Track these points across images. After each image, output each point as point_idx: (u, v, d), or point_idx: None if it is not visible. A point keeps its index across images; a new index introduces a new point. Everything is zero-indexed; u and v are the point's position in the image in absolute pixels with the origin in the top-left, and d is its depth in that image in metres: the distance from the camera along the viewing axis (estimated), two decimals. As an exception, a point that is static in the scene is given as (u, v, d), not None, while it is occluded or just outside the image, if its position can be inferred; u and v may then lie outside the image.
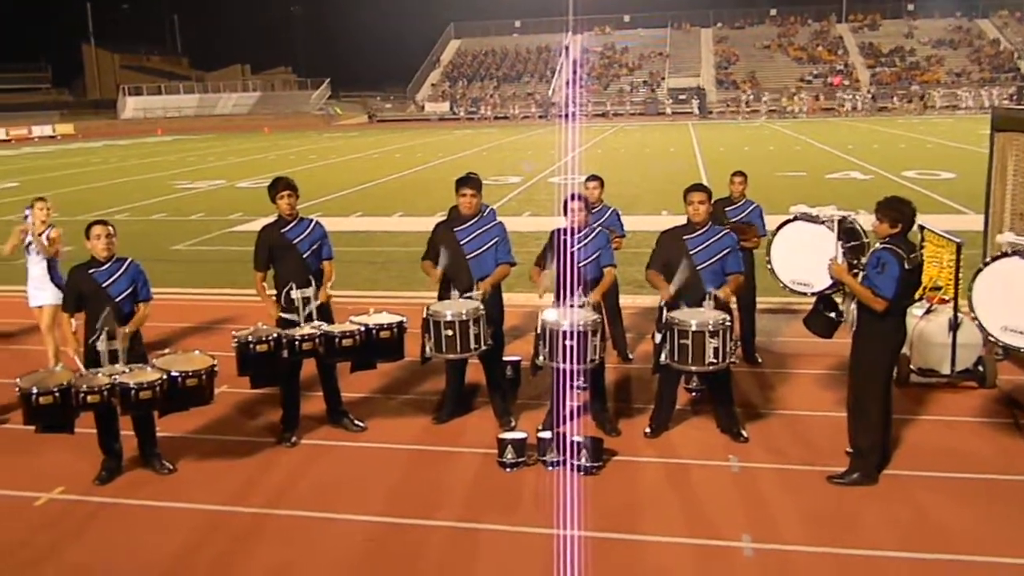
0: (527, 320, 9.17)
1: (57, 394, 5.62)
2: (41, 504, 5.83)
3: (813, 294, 7.13)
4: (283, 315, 6.68)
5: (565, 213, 6.61)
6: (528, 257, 8.26)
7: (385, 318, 6.73)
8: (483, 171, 22.01)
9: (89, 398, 5.64)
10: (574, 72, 75.78)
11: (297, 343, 6.37)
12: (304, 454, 6.52)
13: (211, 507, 5.71)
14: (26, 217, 8.23)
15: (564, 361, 6.18)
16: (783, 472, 6.03)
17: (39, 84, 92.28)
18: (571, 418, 6.70)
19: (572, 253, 6.51)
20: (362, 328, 6.53)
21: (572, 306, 6.39)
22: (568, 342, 6.13)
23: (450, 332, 6.33)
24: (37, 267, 8.16)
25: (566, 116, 63.69)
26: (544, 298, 6.72)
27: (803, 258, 7.14)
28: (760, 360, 8.23)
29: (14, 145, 52.73)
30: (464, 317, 6.34)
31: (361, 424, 6.92)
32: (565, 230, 6.62)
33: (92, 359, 6.01)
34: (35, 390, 5.60)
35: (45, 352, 8.24)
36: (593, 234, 6.59)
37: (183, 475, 6.20)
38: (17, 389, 5.65)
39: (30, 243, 8.19)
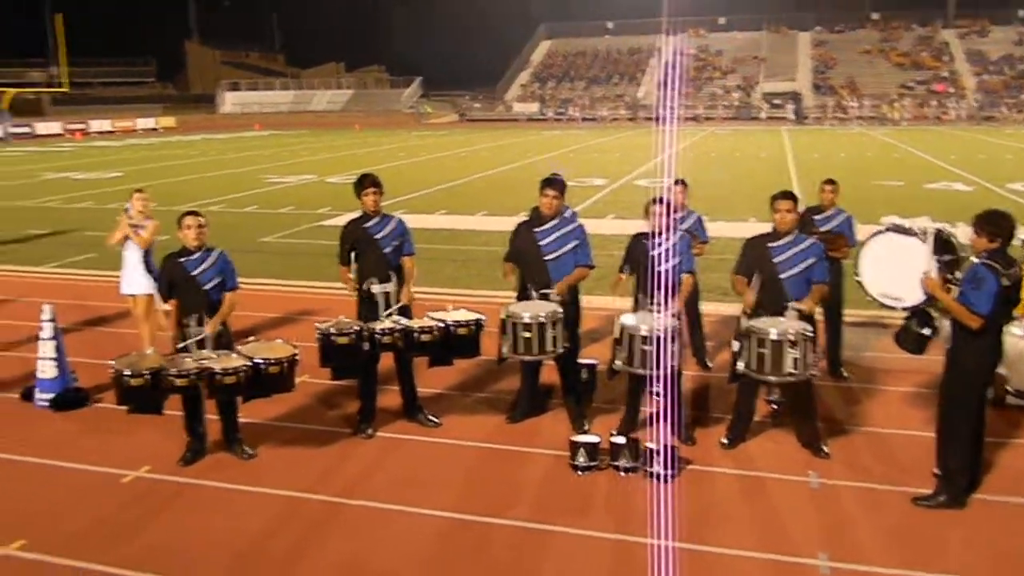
0: (605, 324, 9.12)
1: (148, 376, 5.86)
2: (128, 481, 6.08)
3: (904, 309, 6.91)
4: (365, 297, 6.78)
5: (647, 217, 6.58)
6: (610, 261, 8.23)
7: (463, 315, 6.80)
8: (569, 172, 22.03)
9: (178, 382, 5.86)
10: (666, 74, 74.95)
11: (377, 337, 6.49)
12: (379, 446, 6.63)
13: (288, 493, 5.86)
14: (127, 209, 8.59)
15: (641, 366, 6.15)
16: (865, 491, 5.86)
17: (144, 78, 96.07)
18: (646, 424, 6.66)
19: (652, 257, 6.47)
20: (441, 324, 6.61)
21: (652, 311, 6.35)
22: (646, 347, 6.08)
23: (527, 333, 6.36)
24: (133, 256, 8.51)
25: (656, 119, 63.06)
26: (622, 302, 6.67)
27: (894, 271, 6.92)
28: (846, 374, 8.01)
29: (119, 136, 55.07)
30: (542, 319, 6.35)
31: (436, 420, 7.01)
32: (647, 234, 6.60)
33: (182, 345, 6.24)
34: (128, 372, 5.85)
35: (138, 336, 8.59)
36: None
37: (263, 460, 6.38)
38: (111, 370, 5.91)
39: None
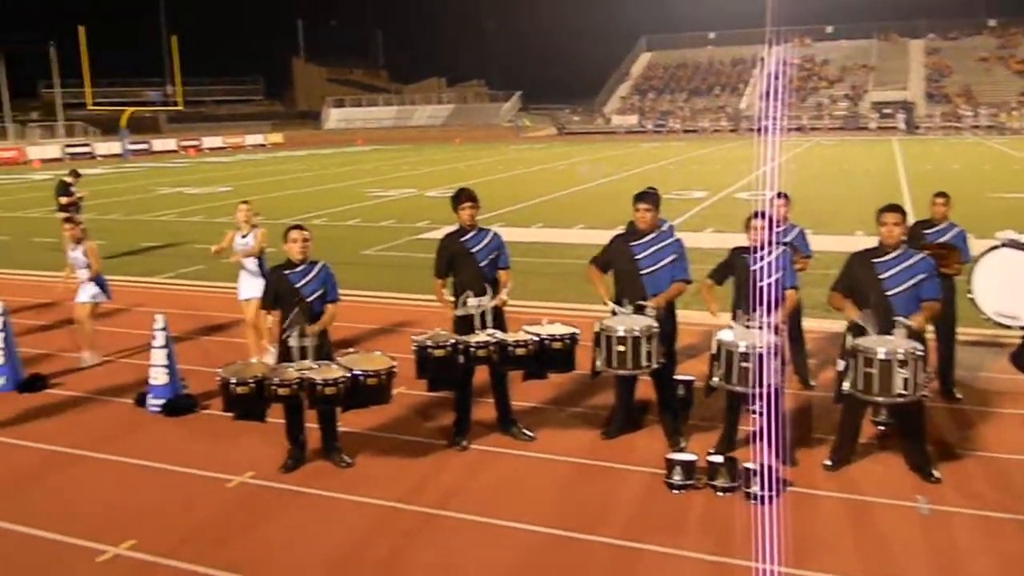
0: (703, 339, 9.00)
1: (253, 385, 6.08)
2: (233, 486, 6.30)
3: (1021, 328, 6.58)
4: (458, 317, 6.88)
5: (747, 231, 6.49)
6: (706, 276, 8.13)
7: (558, 329, 6.81)
8: (667, 185, 21.86)
9: (280, 391, 6.06)
10: (770, 85, 73.50)
11: (472, 350, 6.56)
12: (474, 459, 6.70)
13: (383, 502, 5.97)
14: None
15: (740, 384, 6.05)
16: (978, 518, 5.59)
17: (253, 96, 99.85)
18: (745, 443, 6.54)
19: (753, 272, 6.37)
20: (535, 338, 6.64)
21: (751, 327, 6.24)
22: (745, 364, 5.98)
23: (622, 348, 6.32)
24: (249, 263, 8.89)
25: (758, 130, 61.90)
26: (720, 317, 6.59)
27: (1010, 288, 6.61)
28: (959, 396, 7.67)
29: (229, 152, 57.35)
30: (637, 333, 6.31)
31: (530, 433, 7.03)
32: (747, 248, 6.50)
33: (283, 354, 6.45)
34: (233, 380, 6.08)
35: (246, 344, 8.92)
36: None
37: (360, 469, 6.52)
38: (218, 378, 6.15)
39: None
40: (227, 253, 9.00)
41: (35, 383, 8.61)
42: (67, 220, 10.02)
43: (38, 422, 7.73)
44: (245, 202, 9.09)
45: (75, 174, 16.59)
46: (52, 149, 53.12)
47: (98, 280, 9.44)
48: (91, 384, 8.68)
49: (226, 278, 8.68)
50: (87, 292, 9.41)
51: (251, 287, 8.83)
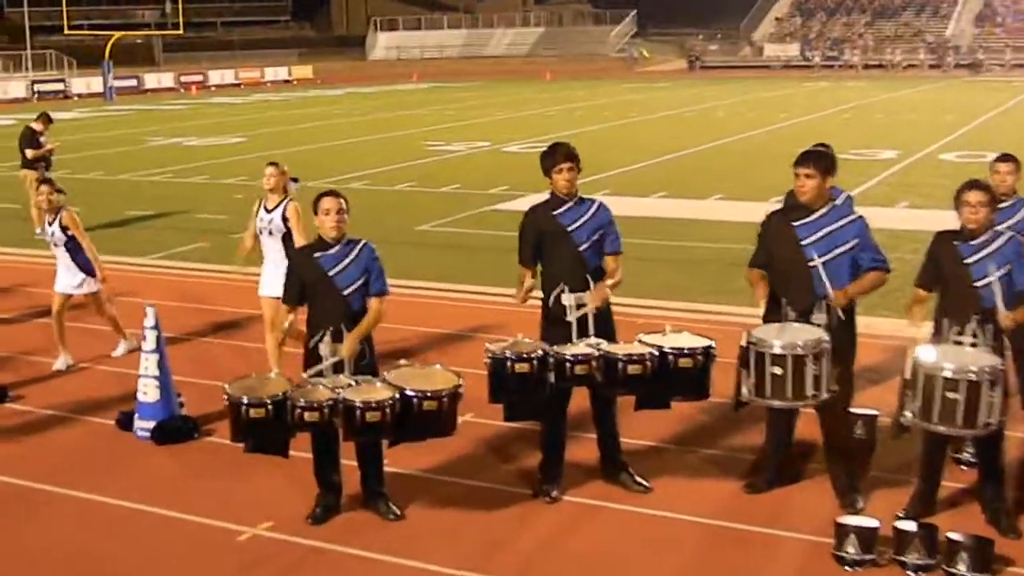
0: (893, 359, 8.82)
1: (270, 407, 6.17)
2: (244, 540, 6.43)
3: None
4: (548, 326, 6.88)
5: (958, 208, 6.39)
6: (902, 267, 7.93)
7: (687, 340, 6.74)
8: (842, 141, 21.41)
9: (307, 415, 6.13)
10: (990, 4, 71.68)
11: (568, 365, 6.54)
12: (567, 514, 6.68)
13: (443, 569, 6.01)
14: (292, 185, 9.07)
15: (943, 422, 5.96)
16: None
17: (276, 16, 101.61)
18: (949, 504, 6.45)
19: (966, 267, 6.30)
20: (655, 352, 6.59)
21: (962, 344, 6.13)
22: (952, 395, 5.88)
23: (778, 369, 6.23)
24: (273, 249, 8.95)
25: (972, 66, 60.43)
26: (922, 330, 6.47)
27: None
28: None
29: (244, 91, 58.66)
30: (800, 350, 6.20)
31: (645, 483, 6.98)
32: (957, 232, 6.42)
33: (312, 366, 6.53)
34: (245, 400, 6.18)
35: (264, 351, 9.07)
36: (999, 241, 6.33)
37: (412, 523, 6.57)
38: (225, 397, 6.27)
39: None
40: (252, 248, 9.08)
41: (-11, 395, 8.92)
42: (42, 182, 10.31)
43: (-8, 447, 8.00)
44: (273, 163, 9.14)
45: (46, 119, 17.14)
46: (16, 86, 55.11)
47: (81, 260, 9.72)
48: (61, 398, 8.96)
49: (254, 260, 8.84)
50: (68, 278, 9.69)
51: (275, 281, 8.75)
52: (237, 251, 9.71)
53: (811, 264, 6.52)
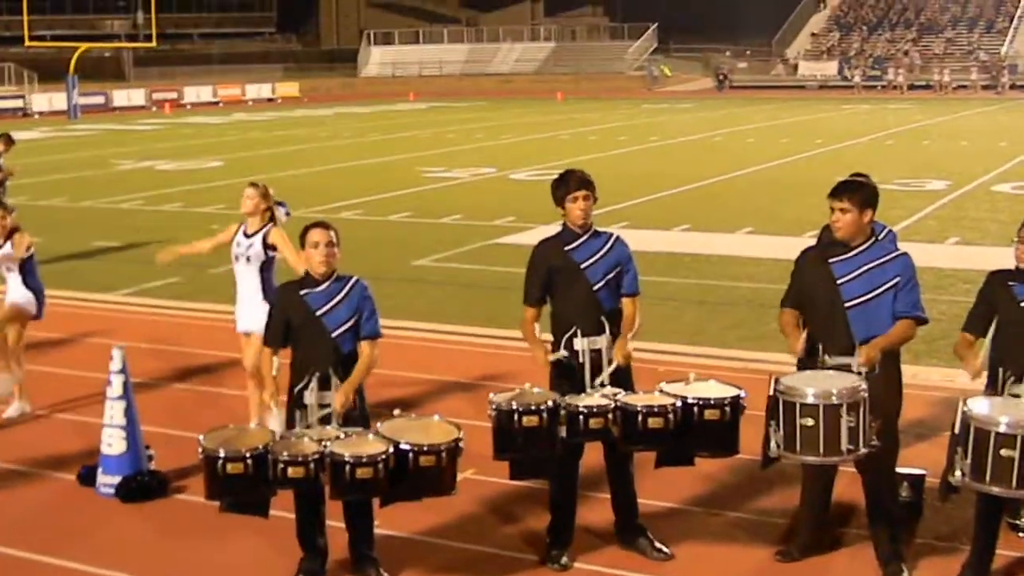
0: (941, 411, 8.81)
1: (250, 462, 6.16)
2: (217, 611, 6.41)
3: None
4: (560, 364, 6.88)
5: (1018, 244, 6.44)
6: (952, 311, 7.94)
7: (713, 390, 6.73)
8: (884, 171, 21.48)
9: (290, 471, 6.11)
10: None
11: (581, 418, 6.53)
12: (578, 584, 6.66)
13: (440, 646, 5.99)
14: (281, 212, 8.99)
15: (996, 482, 5.93)
16: None
17: (259, 28, 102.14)
18: (1006, 575, 6.39)
19: (1022, 309, 6.32)
20: (678, 403, 6.58)
21: (1018, 396, 6.16)
22: (1007, 452, 5.86)
23: (810, 421, 6.22)
24: (249, 279, 8.89)
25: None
26: (976, 380, 6.48)
27: None
28: None
29: (223, 110, 58.97)
30: (834, 400, 6.20)
31: (665, 550, 6.96)
32: (1015, 272, 6.45)
33: (296, 416, 6.55)
34: (222, 454, 6.17)
35: (245, 399, 9.06)
36: None
37: (405, 594, 6.56)
38: (199, 450, 6.26)
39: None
40: (225, 250, 9.07)
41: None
42: None
43: (-61, 503, 8.00)
44: (254, 184, 9.12)
45: (6, 140, 17.17)
46: (-30, 102, 55.39)
47: (35, 284, 9.75)
48: (15, 450, 8.95)
49: (215, 296, 8.85)
50: (16, 293, 9.71)
51: (253, 315, 8.67)
52: (163, 252, 9.65)
53: (848, 306, 6.54)
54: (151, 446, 8.32)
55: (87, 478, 8.20)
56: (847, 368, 6.42)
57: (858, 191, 6.66)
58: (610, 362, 6.85)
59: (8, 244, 9.68)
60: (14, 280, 9.76)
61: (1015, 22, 71.54)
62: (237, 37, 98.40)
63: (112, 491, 7.98)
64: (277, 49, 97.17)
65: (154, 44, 62.06)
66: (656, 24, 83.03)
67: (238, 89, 67.00)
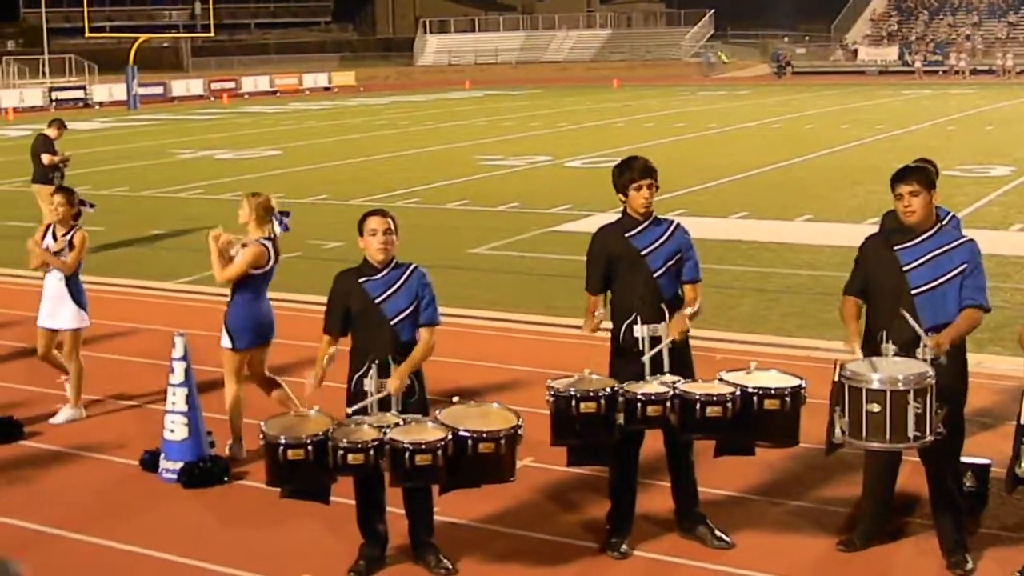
0: (1008, 400, 8.71)
1: (310, 448, 6.20)
2: (278, 596, 6.47)
3: None
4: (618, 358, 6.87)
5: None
6: (1018, 298, 7.85)
7: (774, 379, 6.70)
8: (947, 157, 21.24)
9: (350, 457, 6.15)
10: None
11: (639, 405, 6.52)
12: (638, 570, 6.67)
13: (500, 633, 6.01)
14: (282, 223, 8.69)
15: (1066, 473, 5.84)
16: None
17: (316, 18, 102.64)
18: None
19: None
20: (737, 392, 6.55)
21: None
22: (1076, 442, 5.77)
23: (876, 407, 6.17)
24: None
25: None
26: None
27: None
28: None
29: (280, 99, 59.41)
30: (900, 385, 6.15)
31: (726, 538, 6.94)
32: None
33: (355, 403, 6.57)
34: (283, 440, 6.23)
35: (302, 386, 9.02)
36: None
37: (465, 581, 6.57)
38: (261, 437, 6.32)
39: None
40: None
41: (4, 431, 9.04)
42: (59, 190, 9.92)
43: (3, 489, 8.10)
44: (255, 194, 8.75)
45: (59, 125, 17.28)
46: (33, 93, 56.23)
47: (76, 289, 9.37)
48: (80, 436, 9.08)
49: (275, 286, 8.89)
50: (64, 313, 9.33)
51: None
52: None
53: (915, 293, 6.47)
54: (212, 432, 8.41)
55: (149, 464, 8.30)
56: (912, 352, 6.37)
57: (926, 175, 6.63)
58: (671, 353, 6.82)
59: (68, 239, 9.30)
60: (59, 289, 9.31)
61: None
62: (294, 27, 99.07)
63: (174, 477, 8.07)
64: (333, 38, 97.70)
65: (212, 34, 62.74)
66: (713, 10, 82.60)
67: (295, 78, 67.36)
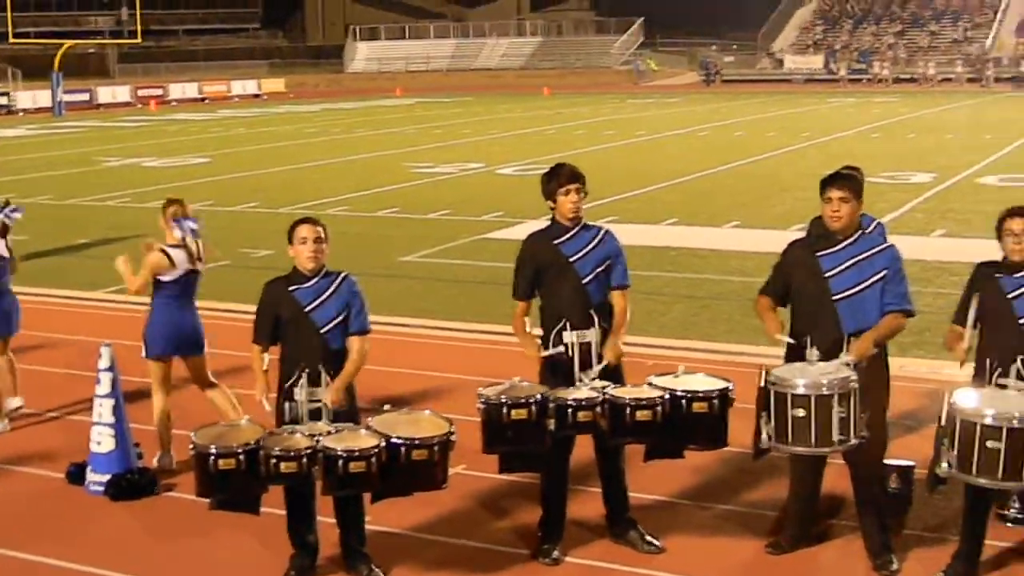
0: (929, 403, 8.83)
1: (242, 457, 6.16)
2: (208, 608, 6.41)
3: None
4: (550, 363, 6.89)
5: (1000, 237, 6.44)
6: (939, 303, 7.98)
7: (701, 383, 6.75)
8: (872, 164, 21.44)
9: (283, 466, 6.10)
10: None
11: (569, 411, 6.53)
12: (569, 578, 6.67)
13: (432, 641, 6.00)
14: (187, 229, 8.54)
15: (984, 474, 5.96)
16: None
17: (244, 25, 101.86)
18: (994, 566, 6.45)
19: (1009, 302, 6.36)
20: (666, 396, 6.60)
21: (1007, 387, 6.17)
22: (994, 444, 5.89)
23: (801, 412, 6.24)
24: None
25: (1013, 80, 60.81)
26: (964, 369, 6.49)
27: None
28: None
29: (209, 106, 58.80)
30: (825, 390, 6.22)
31: (656, 543, 6.98)
32: (1000, 264, 6.47)
33: (286, 412, 6.53)
34: (214, 450, 6.17)
35: (236, 396, 8.98)
36: None
37: (396, 589, 6.56)
38: (190, 447, 6.26)
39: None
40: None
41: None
42: None
43: (-73, 502, 7.97)
44: (174, 202, 8.73)
45: None
46: (-46, 101, 55.10)
47: (7, 299, 9.40)
48: (4, 449, 8.92)
49: (209, 293, 8.81)
50: None
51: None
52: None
53: (836, 298, 6.56)
54: (140, 443, 8.32)
55: (76, 476, 8.19)
56: (835, 357, 6.45)
57: (854, 182, 6.72)
58: (600, 359, 6.87)
59: (3, 243, 9.36)
60: None
61: (999, 15, 71.68)
62: (222, 33, 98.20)
63: (101, 489, 7.96)
64: (263, 45, 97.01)
65: (139, 41, 61.94)
66: (642, 18, 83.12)
67: (224, 85, 66.80)
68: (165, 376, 8.45)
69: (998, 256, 6.53)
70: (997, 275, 6.49)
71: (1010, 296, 6.38)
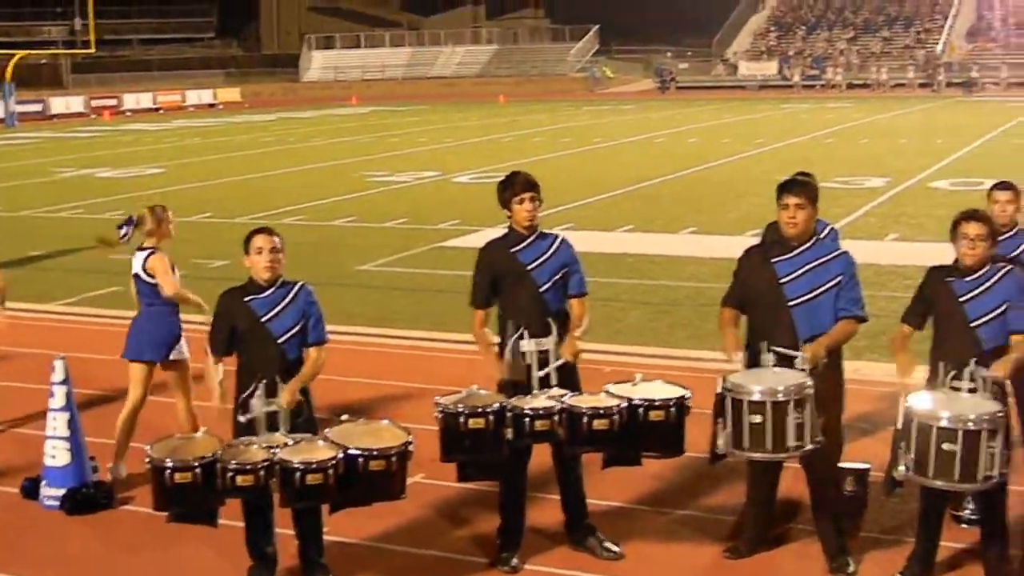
0: (884, 406, 8.91)
1: (198, 471, 6.11)
2: (165, 622, 6.36)
3: None
4: (509, 376, 6.90)
5: (954, 241, 6.47)
6: (892, 307, 8.05)
7: (659, 391, 6.76)
8: (825, 169, 21.61)
9: (239, 479, 6.06)
10: (984, 15, 73.02)
11: (527, 420, 6.54)
12: (528, 586, 6.67)
13: (391, 651, 5.98)
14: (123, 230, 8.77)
15: (939, 476, 6.00)
16: None
17: (199, 34, 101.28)
18: (949, 567, 6.50)
19: (961, 305, 6.39)
20: (623, 404, 6.61)
21: (959, 390, 6.21)
22: (949, 446, 5.93)
23: (758, 418, 6.27)
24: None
25: (966, 85, 61.45)
26: (911, 374, 6.55)
27: None
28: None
29: (163, 116, 58.47)
30: (781, 396, 6.25)
31: (615, 549, 6.99)
32: (951, 268, 6.51)
33: (244, 424, 6.49)
34: (170, 464, 6.12)
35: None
36: (997, 275, 6.42)
37: (356, 600, 6.54)
38: (146, 460, 6.21)
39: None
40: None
41: None
42: None
43: None
44: (155, 208, 8.92)
45: None
46: (-97, 113, 54.46)
47: None
48: (-43, 463, 8.83)
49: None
50: None
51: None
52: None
53: (791, 304, 6.60)
54: (95, 457, 8.24)
55: (30, 491, 8.10)
56: (790, 363, 6.48)
57: (809, 188, 6.76)
58: (557, 357, 6.88)
59: None
60: None
61: (949, 21, 72.47)
62: (177, 43, 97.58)
63: (57, 503, 7.89)
64: (217, 54, 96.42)
65: (92, 50, 61.30)
66: (597, 26, 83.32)
67: (178, 95, 66.40)
68: (147, 378, 8.44)
69: (950, 260, 6.58)
70: (949, 279, 6.53)
71: (962, 300, 6.42)
